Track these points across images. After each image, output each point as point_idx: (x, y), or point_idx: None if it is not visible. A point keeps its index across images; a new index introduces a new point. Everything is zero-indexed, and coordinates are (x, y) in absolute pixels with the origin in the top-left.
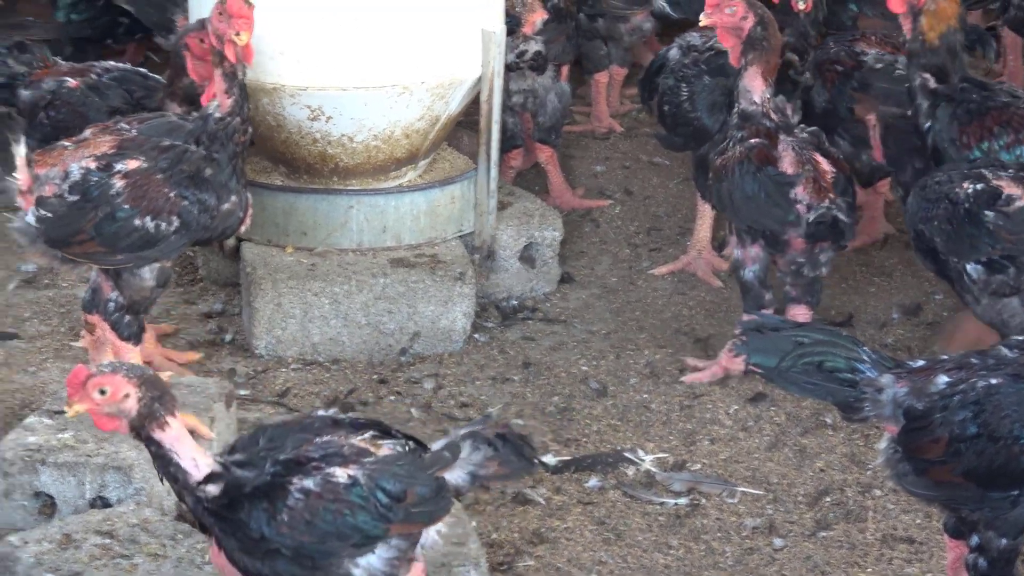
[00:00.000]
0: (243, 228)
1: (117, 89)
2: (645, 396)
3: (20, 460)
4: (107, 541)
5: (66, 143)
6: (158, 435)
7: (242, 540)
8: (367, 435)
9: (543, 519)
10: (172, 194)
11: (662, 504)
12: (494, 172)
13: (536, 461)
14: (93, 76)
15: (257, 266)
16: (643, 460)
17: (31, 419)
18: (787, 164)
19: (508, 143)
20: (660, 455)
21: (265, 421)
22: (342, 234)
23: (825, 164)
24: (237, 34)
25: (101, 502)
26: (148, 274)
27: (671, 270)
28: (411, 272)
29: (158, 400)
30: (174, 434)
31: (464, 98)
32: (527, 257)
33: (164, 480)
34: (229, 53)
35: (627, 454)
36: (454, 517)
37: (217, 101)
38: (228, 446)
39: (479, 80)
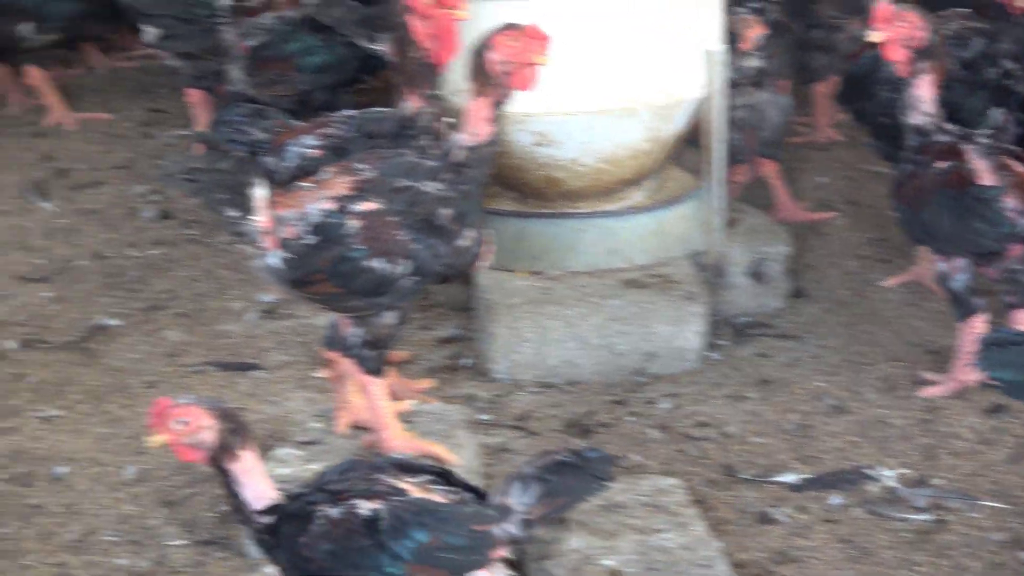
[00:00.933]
0: (480, 266)
1: (359, 139)
2: (883, 411)
3: None
4: None
5: (304, 183)
6: (229, 466)
7: (283, 566)
8: (421, 479)
9: (787, 538)
10: (404, 237)
11: (906, 520)
12: (721, 190)
13: (607, 477)
14: (332, 129)
15: (492, 291)
16: (885, 476)
17: (281, 451)
18: (986, 176)
19: (732, 159)
20: (902, 471)
21: (508, 444)
22: (572, 257)
23: (1017, 165)
24: (541, 54)
25: None
26: (387, 313)
27: (902, 281)
28: (643, 293)
29: (234, 433)
30: (244, 467)
31: (688, 117)
32: (757, 273)
33: (232, 511)
34: (524, 78)
35: (868, 471)
36: (699, 539)
37: (476, 129)
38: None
39: (701, 99)
